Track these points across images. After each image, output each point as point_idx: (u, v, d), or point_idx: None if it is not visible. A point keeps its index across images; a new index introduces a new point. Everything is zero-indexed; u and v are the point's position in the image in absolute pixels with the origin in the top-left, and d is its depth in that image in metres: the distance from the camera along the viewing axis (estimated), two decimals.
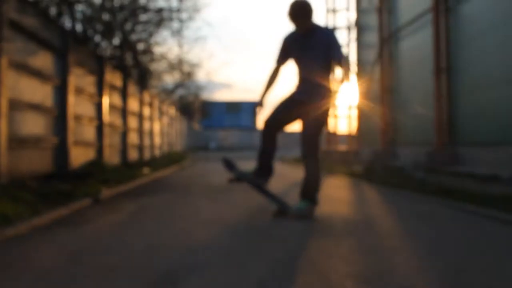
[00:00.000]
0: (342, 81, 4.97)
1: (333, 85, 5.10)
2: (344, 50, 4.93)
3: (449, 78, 11.66)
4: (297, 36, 5.21)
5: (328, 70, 5.11)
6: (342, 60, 4.95)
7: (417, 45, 13.72)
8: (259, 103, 5.39)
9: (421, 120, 13.18)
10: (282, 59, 5.38)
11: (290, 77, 5.79)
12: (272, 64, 5.42)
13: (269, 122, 5.29)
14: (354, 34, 20.05)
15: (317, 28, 5.12)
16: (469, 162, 10.48)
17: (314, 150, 5.08)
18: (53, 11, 10.22)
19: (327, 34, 5.09)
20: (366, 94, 18.04)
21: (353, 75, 4.52)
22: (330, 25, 20.21)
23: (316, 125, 5.11)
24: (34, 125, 7.44)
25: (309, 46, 5.11)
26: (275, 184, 9.01)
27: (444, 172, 9.59)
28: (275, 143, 5.37)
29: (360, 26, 19.57)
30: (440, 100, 11.75)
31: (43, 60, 7.81)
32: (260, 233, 4.18)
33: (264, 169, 5.39)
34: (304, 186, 5.12)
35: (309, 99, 5.06)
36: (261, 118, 5.52)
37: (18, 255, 3.36)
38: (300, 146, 5.14)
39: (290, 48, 5.28)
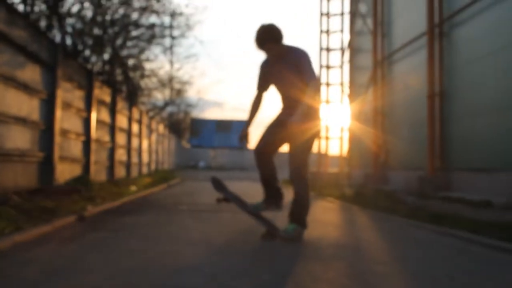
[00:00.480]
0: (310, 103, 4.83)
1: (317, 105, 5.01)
2: (315, 71, 4.87)
3: (443, 103, 11.65)
4: (271, 61, 5.13)
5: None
6: (310, 83, 4.82)
7: (410, 68, 13.74)
8: (245, 133, 5.33)
9: (414, 144, 13.15)
10: (262, 85, 5.32)
11: (274, 101, 5.69)
12: (254, 91, 5.37)
13: (260, 149, 5.20)
14: (347, 56, 20.10)
15: (288, 50, 5.03)
16: (462, 187, 10.41)
17: (302, 172, 4.98)
18: (43, 24, 10.13)
19: (298, 56, 4.98)
20: (358, 117, 18.02)
21: (320, 98, 4.44)
22: (324, 46, 20.26)
23: (304, 146, 5.01)
24: (20, 138, 7.29)
25: (284, 69, 5.03)
26: None
27: (436, 197, 9.51)
28: (272, 167, 5.29)
29: (354, 48, 19.63)
30: (433, 125, 11.72)
31: (31, 73, 7.68)
32: (248, 255, 4.07)
33: (273, 196, 5.32)
34: (293, 209, 5.00)
35: (295, 120, 4.85)
36: (249, 145, 5.58)
37: None
38: (288, 168, 4.99)
39: (268, 74, 5.23)
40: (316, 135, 5.11)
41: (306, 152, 5.05)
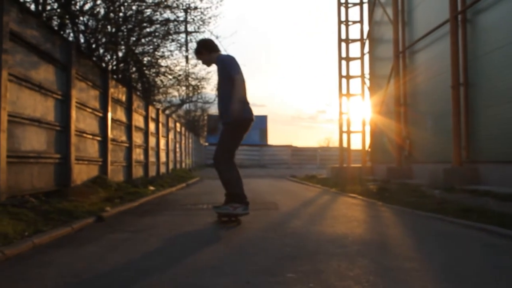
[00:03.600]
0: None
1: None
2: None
3: (467, 92, 11.38)
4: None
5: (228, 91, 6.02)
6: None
7: (433, 58, 13.48)
8: None
9: (438, 136, 12.90)
10: None
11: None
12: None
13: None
14: (367, 47, 19.87)
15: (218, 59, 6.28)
16: (489, 180, 10.16)
17: (219, 162, 6.08)
18: (55, 22, 10.07)
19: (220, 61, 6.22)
20: (380, 109, 17.79)
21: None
22: (343, 37, 20.08)
23: (220, 139, 6.18)
24: (35, 140, 7.21)
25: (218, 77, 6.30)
26: (286, 202, 8.75)
27: (463, 190, 9.26)
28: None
29: (374, 38, 19.39)
30: (458, 115, 11.45)
31: (45, 73, 7.59)
32: (269, 253, 3.94)
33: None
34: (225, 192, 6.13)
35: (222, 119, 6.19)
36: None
37: (19, 275, 3.24)
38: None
39: None
40: (227, 129, 6.10)
41: (221, 143, 6.13)
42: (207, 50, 6.32)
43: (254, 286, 2.89)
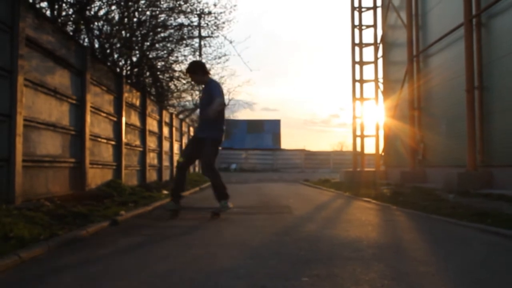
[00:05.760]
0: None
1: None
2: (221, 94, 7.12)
3: (482, 96, 11.29)
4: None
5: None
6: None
7: (448, 61, 13.40)
8: None
9: (453, 140, 12.81)
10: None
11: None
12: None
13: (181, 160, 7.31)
14: (381, 51, 19.80)
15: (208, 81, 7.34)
16: (504, 184, 10.06)
17: (210, 168, 7.10)
18: (70, 28, 10.15)
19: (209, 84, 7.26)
20: (394, 113, 17.73)
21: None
22: (356, 41, 20.02)
23: (209, 152, 7.10)
24: (51, 144, 7.27)
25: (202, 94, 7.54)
26: (300, 206, 8.73)
27: (478, 194, 9.20)
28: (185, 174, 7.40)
29: (388, 42, 19.32)
30: (472, 119, 11.37)
31: (60, 78, 7.66)
32: (284, 257, 3.92)
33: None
34: (215, 192, 7.15)
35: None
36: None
37: (34, 278, 3.24)
38: (201, 168, 7.46)
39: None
40: (211, 143, 7.12)
41: (211, 155, 7.13)
42: (202, 71, 7.31)
43: None
